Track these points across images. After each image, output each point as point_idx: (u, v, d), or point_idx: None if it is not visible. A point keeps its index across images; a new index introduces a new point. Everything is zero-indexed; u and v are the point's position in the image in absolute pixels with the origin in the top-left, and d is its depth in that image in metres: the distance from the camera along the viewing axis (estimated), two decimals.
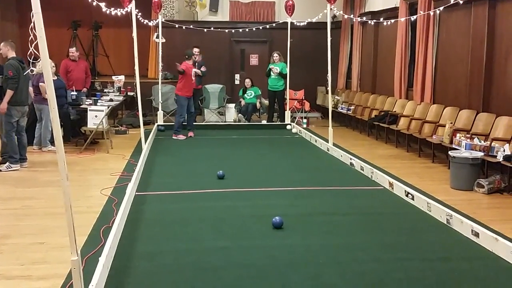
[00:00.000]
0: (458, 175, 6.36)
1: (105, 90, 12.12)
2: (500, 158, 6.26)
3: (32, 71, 7.40)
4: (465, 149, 6.66)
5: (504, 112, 6.99)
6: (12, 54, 7.10)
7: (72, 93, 9.43)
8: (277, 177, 6.91)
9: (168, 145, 9.37)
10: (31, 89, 8.22)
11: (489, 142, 6.62)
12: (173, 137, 9.93)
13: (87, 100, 9.54)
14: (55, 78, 8.68)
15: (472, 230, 4.49)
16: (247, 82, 12.49)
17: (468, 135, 7.07)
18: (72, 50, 10.55)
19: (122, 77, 12.20)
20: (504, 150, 6.33)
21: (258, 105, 12.37)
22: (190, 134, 10.28)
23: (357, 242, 4.41)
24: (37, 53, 2.82)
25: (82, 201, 5.49)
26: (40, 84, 8.14)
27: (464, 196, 6.03)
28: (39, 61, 2.88)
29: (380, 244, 4.35)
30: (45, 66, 2.90)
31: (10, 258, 4.01)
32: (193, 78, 10.02)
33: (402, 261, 3.99)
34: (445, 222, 4.89)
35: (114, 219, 4.62)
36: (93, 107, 8.86)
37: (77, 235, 2.94)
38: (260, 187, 6.28)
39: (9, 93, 6.94)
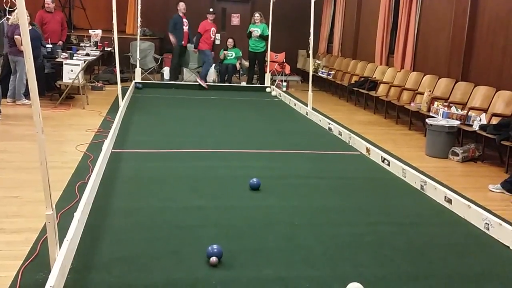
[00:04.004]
0: (434, 142, 6.44)
1: (81, 44, 11.81)
2: (476, 127, 6.35)
3: (8, 19, 7.13)
4: (442, 117, 6.74)
5: (483, 82, 7.05)
6: None
7: (48, 45, 9.17)
8: (255, 139, 6.90)
9: (146, 103, 9.25)
10: (6, 39, 7.97)
11: (466, 111, 6.70)
12: (198, 81, 11.33)
13: (62, 53, 9.30)
14: (30, 28, 8.39)
15: (445, 197, 4.58)
16: (230, 42, 12.29)
17: (446, 104, 7.13)
18: (48, 1, 10.18)
19: (99, 32, 11.87)
20: (480, 120, 6.42)
21: (238, 66, 12.23)
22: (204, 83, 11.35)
23: (332, 205, 4.45)
24: (13, 0, 2.70)
25: (57, 157, 5.41)
26: (15, 36, 7.87)
27: (439, 164, 6.13)
28: (15, 9, 2.74)
29: (354, 208, 4.41)
30: (21, 14, 2.77)
31: None
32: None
33: (374, 225, 4.05)
34: (419, 188, 4.97)
35: (90, 175, 4.56)
36: (69, 61, 8.65)
37: (52, 190, 2.89)
38: (237, 148, 6.27)
39: None
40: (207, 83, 11.39)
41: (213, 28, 11.55)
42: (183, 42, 11.70)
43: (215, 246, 3.25)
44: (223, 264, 3.22)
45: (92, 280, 2.97)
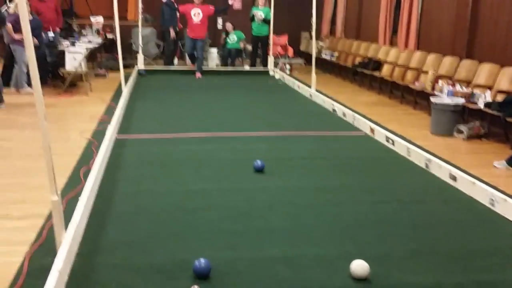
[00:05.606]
0: (439, 121, 6.40)
1: (83, 32, 11.77)
2: (481, 105, 6.30)
3: (8, 9, 7.10)
4: (447, 96, 6.69)
5: (487, 59, 6.98)
6: None
7: (50, 34, 9.12)
8: (259, 122, 6.89)
9: (149, 89, 9.24)
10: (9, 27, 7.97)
11: (470, 89, 6.65)
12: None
13: (63, 41, 9.26)
14: (31, 18, 8.36)
15: (450, 174, 4.56)
16: (228, 26, 12.20)
17: (451, 82, 7.08)
18: None
19: (100, 19, 11.81)
20: (485, 97, 6.37)
21: (241, 46, 12.12)
22: (198, 75, 10.89)
23: (336, 185, 4.46)
24: None
25: (61, 143, 5.42)
26: (7, 25, 7.87)
27: (444, 141, 6.10)
28: None
29: (358, 187, 4.41)
30: (21, 2, 2.75)
31: None
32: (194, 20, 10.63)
33: (379, 203, 4.05)
34: (424, 167, 4.96)
35: (94, 161, 4.58)
36: (71, 49, 8.63)
37: (57, 176, 2.91)
38: (241, 131, 6.27)
39: None
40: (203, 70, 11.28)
41: (195, 10, 10.57)
42: (177, 28, 11.68)
43: (202, 260, 2.88)
44: (227, 244, 3.24)
45: (99, 264, 2.99)
